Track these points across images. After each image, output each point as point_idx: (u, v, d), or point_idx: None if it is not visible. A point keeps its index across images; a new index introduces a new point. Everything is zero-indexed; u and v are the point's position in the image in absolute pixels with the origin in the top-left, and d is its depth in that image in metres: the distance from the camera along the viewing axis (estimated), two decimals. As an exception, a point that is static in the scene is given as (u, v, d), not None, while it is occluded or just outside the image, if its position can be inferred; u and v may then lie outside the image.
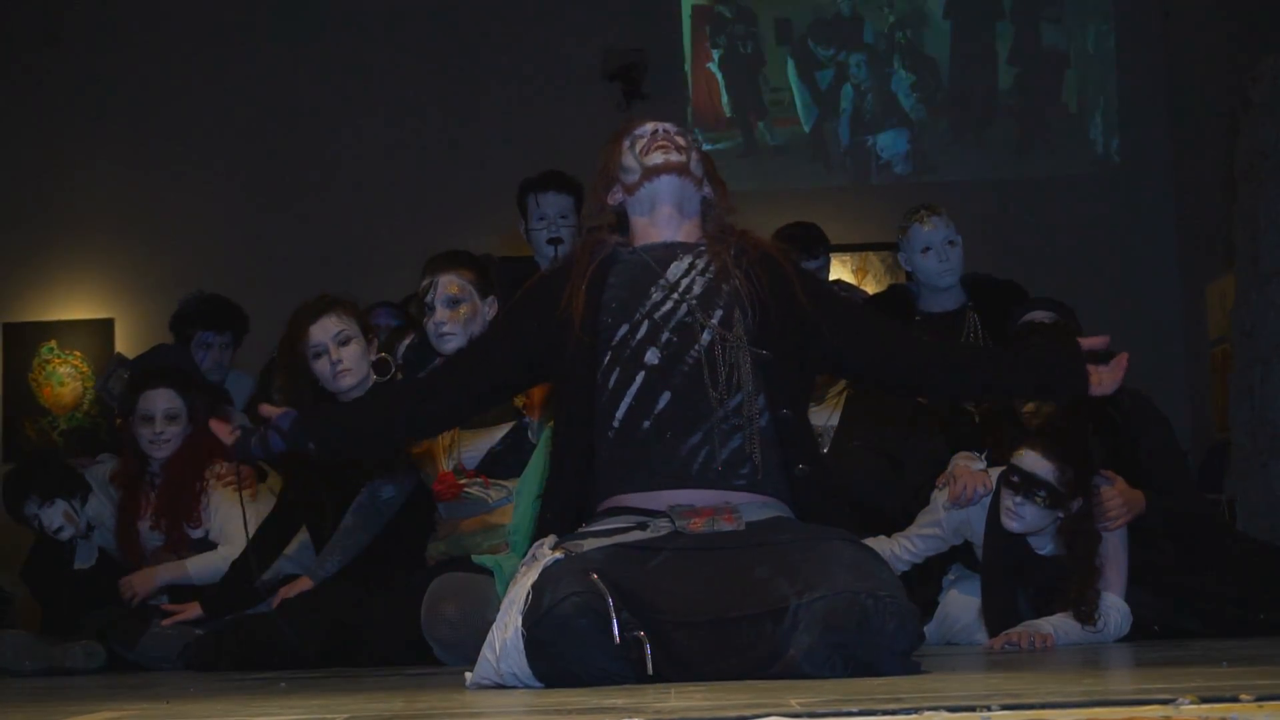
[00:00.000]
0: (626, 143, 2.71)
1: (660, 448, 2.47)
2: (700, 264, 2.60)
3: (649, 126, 2.72)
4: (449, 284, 3.58)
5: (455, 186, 7.50)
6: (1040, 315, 4.10)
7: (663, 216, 2.66)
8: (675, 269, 2.59)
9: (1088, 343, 2.77)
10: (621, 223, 2.71)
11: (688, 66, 7.76)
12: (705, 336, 2.50)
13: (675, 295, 2.55)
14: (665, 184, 2.65)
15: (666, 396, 2.48)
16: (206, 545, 4.09)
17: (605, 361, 2.54)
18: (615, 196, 2.71)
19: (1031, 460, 3.30)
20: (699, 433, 2.46)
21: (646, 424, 2.48)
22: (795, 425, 2.54)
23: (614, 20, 7.65)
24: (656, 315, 2.54)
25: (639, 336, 2.52)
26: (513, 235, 4.87)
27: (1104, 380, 2.72)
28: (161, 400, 4.07)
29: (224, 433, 2.75)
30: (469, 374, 2.73)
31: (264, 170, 7.59)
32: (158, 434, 4.04)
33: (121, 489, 4.13)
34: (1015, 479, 3.31)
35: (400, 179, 7.60)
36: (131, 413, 4.09)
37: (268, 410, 2.76)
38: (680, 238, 2.66)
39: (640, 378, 2.50)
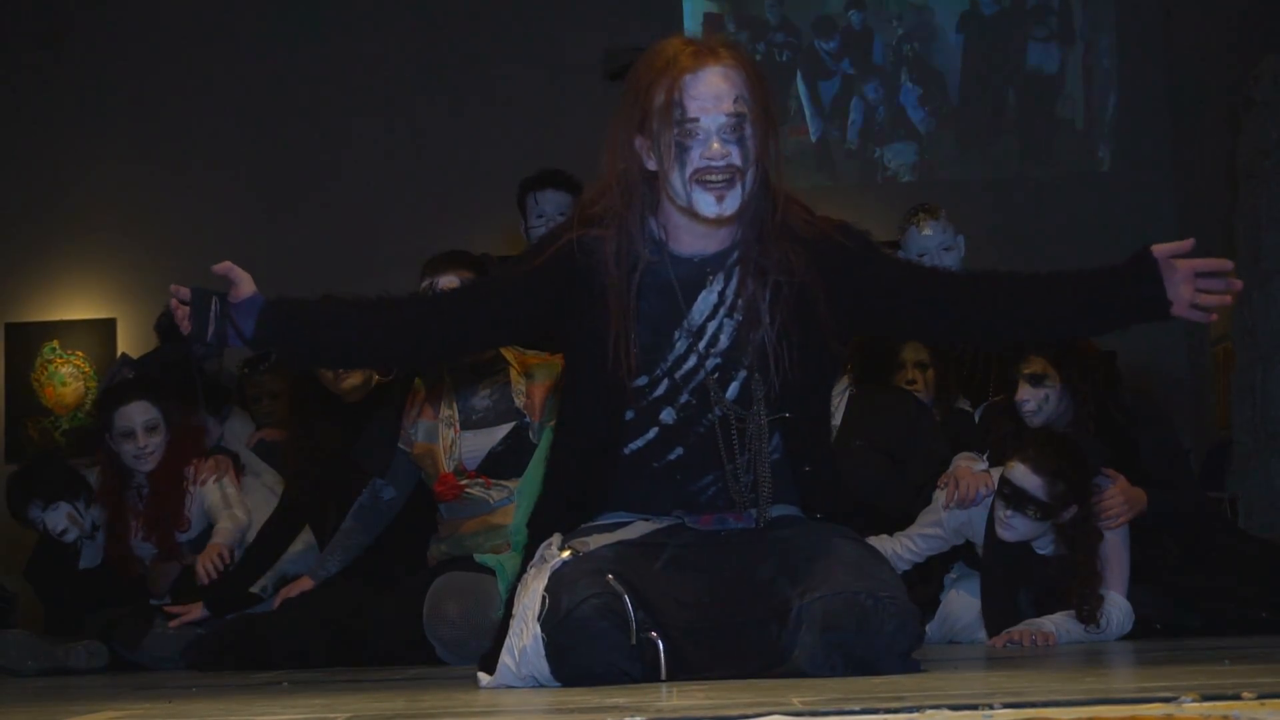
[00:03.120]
0: (671, 136, 2.29)
1: (669, 483, 2.41)
2: (730, 296, 2.37)
3: (707, 122, 2.27)
4: (448, 284, 3.58)
5: (456, 186, 7.51)
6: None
7: (700, 230, 2.38)
8: (702, 305, 2.37)
9: (1162, 250, 2.35)
10: (648, 178, 2.38)
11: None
12: (719, 412, 2.36)
13: (699, 350, 2.36)
14: (707, 225, 2.37)
15: (679, 450, 2.40)
16: (201, 547, 4.08)
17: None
18: (648, 164, 2.35)
19: (1021, 474, 3.30)
20: (710, 475, 2.40)
21: (656, 465, 2.41)
22: (814, 475, 2.43)
23: (614, 20, 7.64)
24: (677, 375, 2.37)
25: (657, 393, 2.38)
26: (513, 235, 4.87)
27: (1205, 295, 2.32)
28: (139, 413, 4.03)
29: (180, 315, 2.37)
30: (476, 313, 2.47)
31: (265, 170, 7.59)
32: (141, 448, 4.01)
33: (108, 508, 4.11)
34: (1007, 491, 3.32)
35: (401, 179, 7.61)
36: (109, 430, 4.07)
37: (222, 268, 2.34)
38: (714, 247, 2.39)
39: (654, 432, 2.40)
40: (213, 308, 2.33)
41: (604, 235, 2.38)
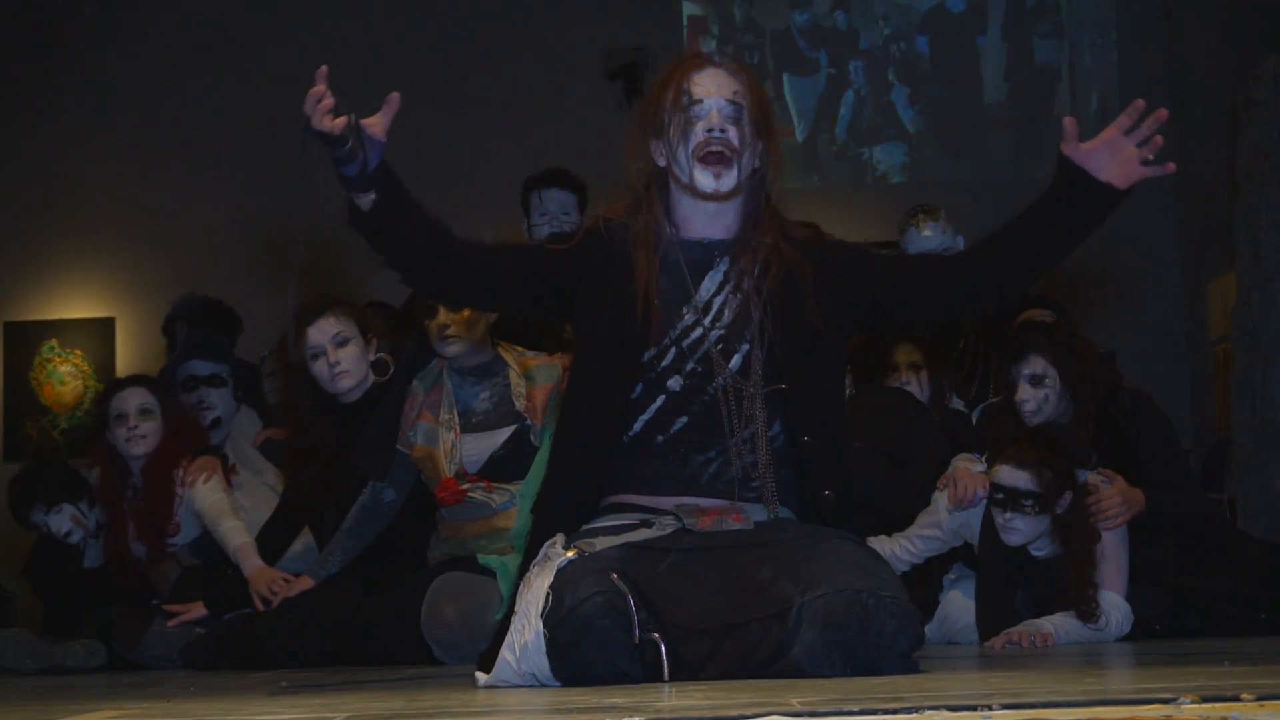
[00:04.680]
0: (680, 120, 2.50)
1: (672, 459, 2.47)
2: (734, 277, 2.52)
3: (709, 103, 2.49)
4: None
5: (456, 186, 7.48)
6: (1037, 314, 4.10)
7: (706, 214, 2.55)
8: (708, 284, 2.52)
9: (1068, 144, 2.43)
10: (661, 176, 2.57)
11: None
12: (720, 381, 2.47)
13: (705, 322, 2.49)
14: (711, 203, 2.54)
15: (683, 420, 2.47)
16: (199, 550, 4.08)
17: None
18: (659, 161, 2.56)
19: (1007, 474, 3.31)
20: (713, 450, 2.46)
21: (660, 439, 2.47)
22: (816, 449, 2.48)
23: (614, 20, 7.65)
24: (685, 343, 2.49)
25: (665, 363, 2.49)
26: (514, 235, 4.87)
27: (1138, 155, 2.38)
28: (134, 398, 4.08)
29: (320, 106, 2.33)
30: (511, 270, 2.61)
31: (264, 170, 7.57)
32: (132, 429, 4.04)
33: (106, 508, 4.12)
34: (999, 496, 3.32)
35: (401, 178, 7.60)
36: (107, 420, 4.08)
37: (395, 100, 2.45)
38: (721, 234, 2.55)
39: (661, 400, 2.48)
40: (350, 119, 2.32)
41: (628, 221, 2.57)
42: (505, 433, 3.58)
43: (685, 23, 7.83)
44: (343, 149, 2.34)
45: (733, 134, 2.50)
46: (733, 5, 7.86)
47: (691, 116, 2.50)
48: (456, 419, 3.60)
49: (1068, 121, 2.44)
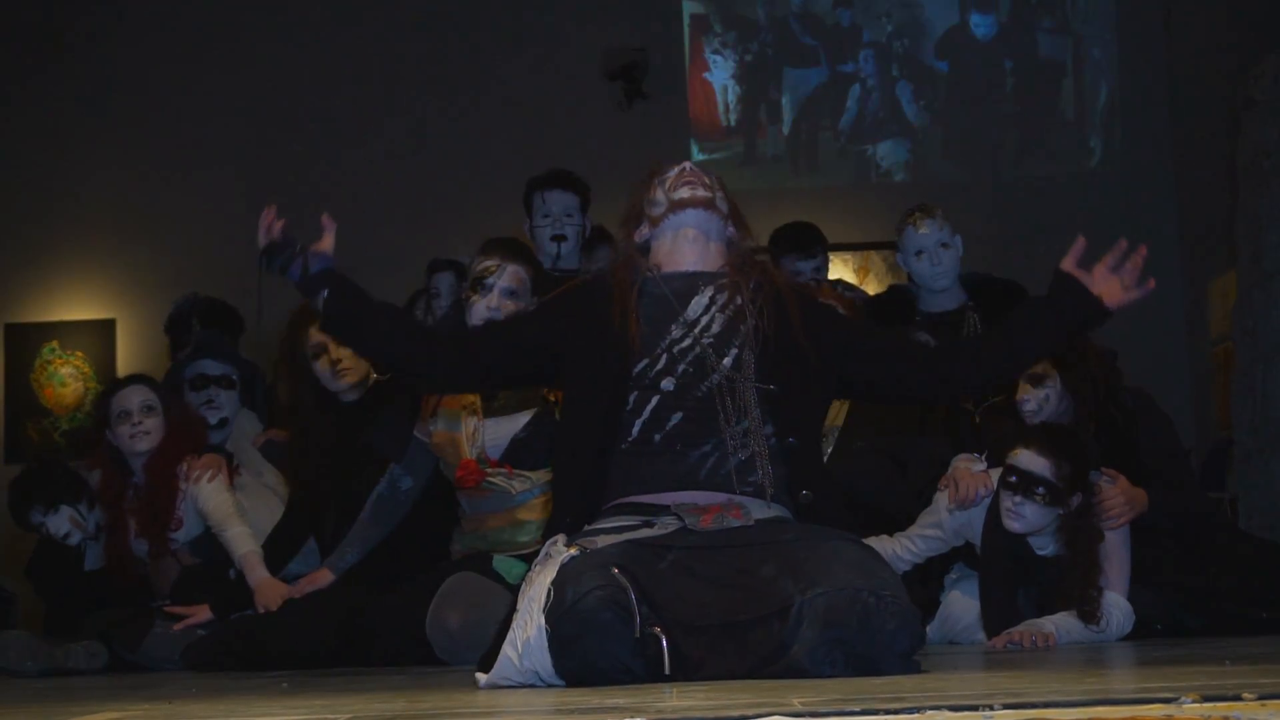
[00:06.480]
0: (656, 181, 2.79)
1: (669, 456, 2.53)
2: (721, 299, 2.67)
3: (676, 168, 2.79)
4: (515, 275, 3.56)
5: (456, 186, 7.51)
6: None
7: (686, 241, 2.73)
8: (696, 305, 2.66)
9: (1068, 262, 2.68)
10: (643, 250, 2.80)
11: (687, 73, 7.78)
12: (715, 378, 2.57)
13: (694, 333, 2.63)
14: (690, 215, 2.73)
15: (679, 416, 2.56)
16: (201, 548, 4.08)
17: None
18: (642, 233, 2.79)
19: (1028, 458, 3.31)
20: (709, 444, 2.53)
21: (658, 438, 2.54)
22: (801, 453, 2.59)
23: (614, 20, 7.65)
24: (675, 350, 2.61)
25: (657, 368, 2.59)
26: (513, 234, 4.86)
27: (1122, 283, 2.64)
28: (136, 395, 4.10)
29: (267, 222, 2.70)
30: (495, 346, 2.79)
31: (265, 171, 7.59)
32: (136, 425, 4.05)
33: (108, 510, 4.12)
34: (1013, 479, 3.32)
35: (401, 179, 7.61)
36: (108, 420, 4.09)
37: (327, 223, 2.74)
38: (702, 266, 2.72)
39: (655, 400, 2.57)
40: (296, 245, 2.73)
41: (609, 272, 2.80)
42: (526, 415, 3.56)
43: (687, 22, 7.81)
44: (283, 256, 2.71)
45: (701, 175, 2.78)
46: (736, 5, 7.85)
47: (666, 177, 2.78)
48: (479, 402, 3.59)
49: (1079, 243, 2.67)
